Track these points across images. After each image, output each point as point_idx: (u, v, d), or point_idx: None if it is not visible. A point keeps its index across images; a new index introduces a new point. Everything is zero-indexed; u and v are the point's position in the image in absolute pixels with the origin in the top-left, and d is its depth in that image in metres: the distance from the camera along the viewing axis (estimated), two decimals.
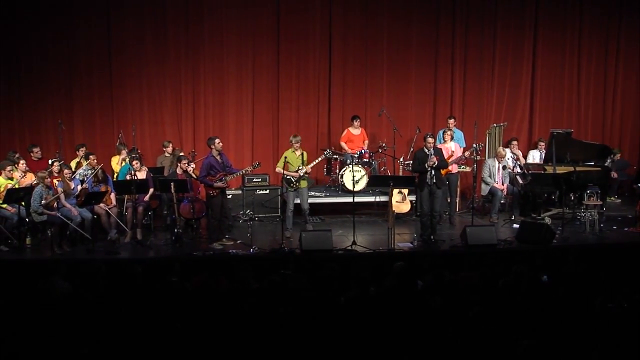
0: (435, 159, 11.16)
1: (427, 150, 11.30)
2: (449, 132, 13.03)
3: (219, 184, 11.14)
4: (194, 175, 11.85)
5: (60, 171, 11.35)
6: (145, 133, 14.36)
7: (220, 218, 11.34)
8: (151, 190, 11.75)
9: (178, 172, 11.86)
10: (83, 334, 6.22)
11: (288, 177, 11.61)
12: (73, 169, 11.80)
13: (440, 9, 15.12)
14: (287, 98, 14.80)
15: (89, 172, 11.64)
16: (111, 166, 12.94)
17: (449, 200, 12.95)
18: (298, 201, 12.09)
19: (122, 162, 12.56)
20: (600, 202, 12.40)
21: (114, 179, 12.14)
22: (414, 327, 6.20)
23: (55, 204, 10.98)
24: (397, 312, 6.52)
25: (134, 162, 11.67)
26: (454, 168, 12.75)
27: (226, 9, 14.43)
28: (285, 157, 11.75)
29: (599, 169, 13.15)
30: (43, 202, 10.79)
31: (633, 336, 6.00)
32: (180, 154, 12.68)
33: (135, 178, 11.40)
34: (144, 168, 12.04)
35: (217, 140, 11.36)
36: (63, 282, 8.16)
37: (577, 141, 13.66)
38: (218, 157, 11.30)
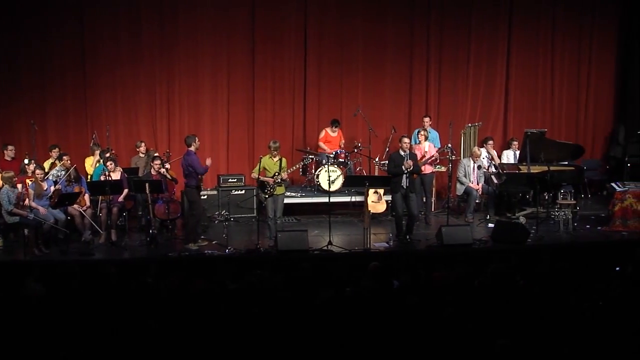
0: (411, 162, 11.18)
1: (402, 153, 11.32)
2: (423, 133, 13.05)
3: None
4: (168, 176, 11.79)
5: (34, 172, 11.23)
6: (120, 133, 14.25)
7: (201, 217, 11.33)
8: (125, 191, 11.67)
9: (152, 172, 11.80)
10: (58, 337, 6.16)
11: (263, 182, 11.38)
12: (46, 170, 11.69)
13: (415, 9, 15.17)
14: (263, 98, 14.77)
15: (62, 172, 11.52)
16: (85, 167, 12.84)
17: (424, 200, 13.00)
18: None
19: (96, 163, 12.45)
20: (574, 202, 12.52)
21: (88, 180, 12.05)
22: (390, 327, 6.21)
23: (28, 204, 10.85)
24: (373, 312, 6.52)
25: (108, 163, 11.59)
26: (427, 168, 12.74)
27: (201, 8, 14.36)
28: (261, 161, 11.41)
29: (573, 168, 13.26)
30: (11, 206, 10.64)
31: (608, 334, 6.05)
32: (155, 154, 12.61)
33: (110, 179, 11.31)
34: (118, 169, 11.96)
35: (196, 139, 11.31)
36: (36, 284, 8.08)
37: (551, 141, 13.76)
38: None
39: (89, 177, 12.37)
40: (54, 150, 12.58)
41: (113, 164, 11.67)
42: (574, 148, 13.76)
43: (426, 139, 13.07)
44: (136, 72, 14.24)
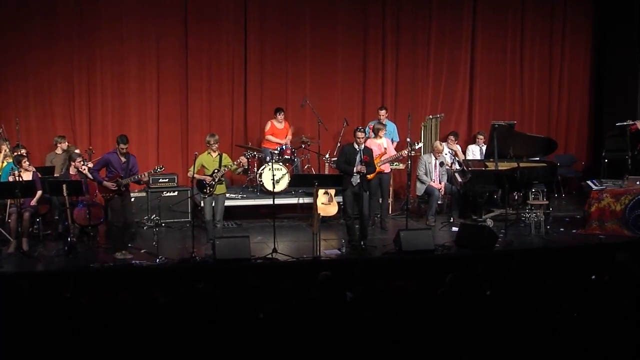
0: (363, 168, 11.20)
1: (357, 147, 11.34)
2: (383, 129, 13.01)
3: (108, 183, 10.96)
4: (90, 176, 11.66)
5: None
6: (32, 127, 14.00)
7: (123, 224, 11.17)
8: (39, 193, 11.49)
9: (71, 172, 11.65)
10: None
11: (201, 180, 11.33)
12: None
13: None
14: (198, 87, 14.69)
15: None
16: None
17: (380, 202, 13.05)
18: None
19: (4, 161, 12.25)
20: (547, 202, 12.71)
21: None
22: (343, 344, 6.23)
23: None
24: (324, 327, 6.54)
25: (23, 162, 11.39)
26: (386, 167, 12.80)
27: None
28: (196, 157, 11.31)
29: (545, 164, 13.46)
30: None
31: (582, 348, 6.17)
32: (76, 151, 12.45)
33: (20, 179, 11.13)
34: (31, 168, 11.77)
35: (122, 145, 11.08)
36: None
37: (520, 134, 13.96)
38: (122, 158, 11.11)
39: None
40: None
41: (28, 162, 11.51)
42: (546, 142, 13.96)
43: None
44: (51, 58, 14.01)
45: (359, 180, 11.24)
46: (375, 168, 11.86)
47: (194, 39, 14.58)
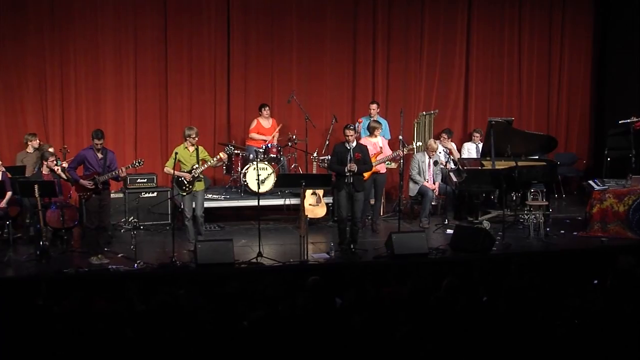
0: (353, 166, 11.20)
1: (347, 145, 11.33)
2: (379, 128, 13.03)
3: (86, 182, 10.91)
4: (63, 176, 11.62)
5: None
6: (1, 125, 13.95)
7: (97, 226, 11.13)
8: (9, 194, 11.47)
9: (44, 172, 11.62)
10: None
11: (180, 178, 11.35)
12: None
13: None
14: (178, 82, 14.66)
15: None
16: None
17: (372, 203, 13.04)
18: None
19: None
20: (546, 203, 12.73)
21: None
22: (332, 353, 6.24)
23: None
24: (312, 335, 6.54)
25: None
26: (382, 167, 12.78)
27: None
28: (177, 154, 11.35)
29: (544, 163, 13.48)
30: None
31: (584, 356, 6.19)
32: (49, 150, 12.40)
33: None
34: (1, 167, 11.74)
35: (96, 141, 11.03)
36: None
37: (519, 131, 13.96)
38: (99, 154, 11.06)
39: None
40: None
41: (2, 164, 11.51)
42: (545, 140, 14.00)
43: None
44: (21, 51, 13.93)
45: (351, 180, 11.24)
46: (372, 166, 11.88)
47: (173, 31, 14.53)
